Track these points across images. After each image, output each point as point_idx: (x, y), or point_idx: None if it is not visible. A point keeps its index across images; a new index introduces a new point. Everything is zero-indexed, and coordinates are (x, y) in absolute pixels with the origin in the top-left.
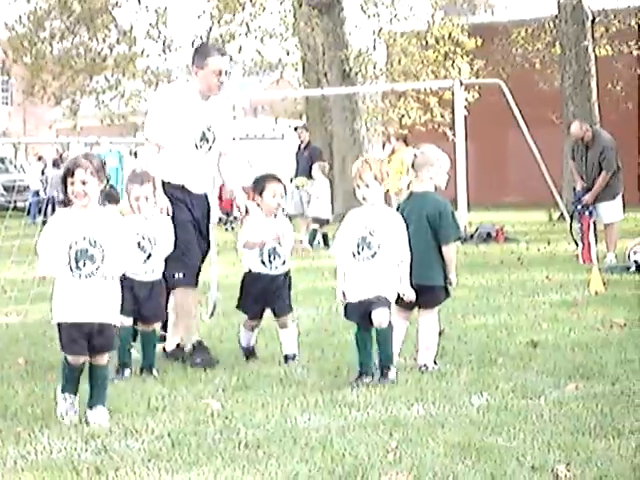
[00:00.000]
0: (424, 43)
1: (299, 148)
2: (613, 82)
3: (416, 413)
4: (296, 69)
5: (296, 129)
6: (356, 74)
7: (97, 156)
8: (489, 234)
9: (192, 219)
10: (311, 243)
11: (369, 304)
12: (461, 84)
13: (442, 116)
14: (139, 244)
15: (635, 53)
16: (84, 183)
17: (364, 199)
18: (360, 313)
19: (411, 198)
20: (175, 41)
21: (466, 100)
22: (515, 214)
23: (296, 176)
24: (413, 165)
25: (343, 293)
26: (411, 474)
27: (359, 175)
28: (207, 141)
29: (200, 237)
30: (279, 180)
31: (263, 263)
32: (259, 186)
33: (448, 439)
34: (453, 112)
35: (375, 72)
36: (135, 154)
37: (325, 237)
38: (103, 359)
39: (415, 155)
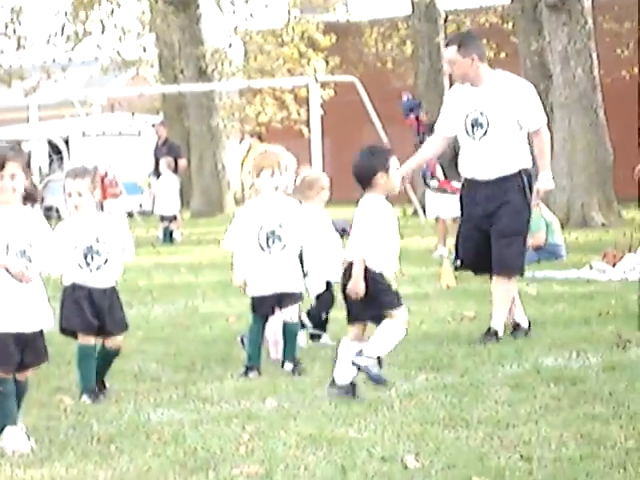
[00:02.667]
0: (280, 41)
1: (157, 144)
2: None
3: (269, 406)
4: (152, 66)
5: (153, 125)
6: (213, 71)
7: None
8: (344, 230)
9: (479, 212)
10: (166, 240)
11: (280, 298)
12: (316, 81)
13: (298, 113)
14: (91, 248)
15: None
16: (13, 177)
17: (270, 189)
18: (269, 306)
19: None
20: (29, 39)
21: (322, 97)
22: None
23: (155, 172)
24: None
25: (245, 283)
26: (262, 466)
27: (260, 166)
28: (480, 126)
29: (486, 221)
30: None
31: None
32: (383, 162)
33: (300, 431)
34: (309, 109)
35: (232, 69)
36: None
37: (170, 233)
38: (26, 374)
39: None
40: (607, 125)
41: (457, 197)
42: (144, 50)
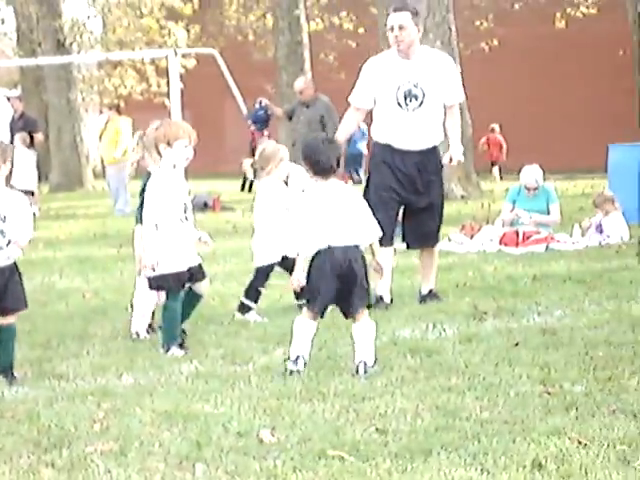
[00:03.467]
0: (139, 13)
1: (13, 118)
2: (326, 52)
3: (125, 382)
4: (10, 38)
5: (9, 99)
6: (71, 44)
7: None
8: (205, 203)
9: (395, 180)
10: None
11: (193, 271)
12: (176, 54)
13: (158, 85)
14: None
15: (346, 25)
16: None
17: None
18: (185, 281)
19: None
20: None
21: (185, 67)
22: (232, 183)
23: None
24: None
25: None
26: (117, 443)
27: (175, 135)
28: (415, 98)
29: (413, 193)
30: None
31: None
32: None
33: (156, 407)
34: (169, 81)
35: (90, 42)
36: None
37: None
38: None
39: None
40: (466, 97)
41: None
42: (2, 22)
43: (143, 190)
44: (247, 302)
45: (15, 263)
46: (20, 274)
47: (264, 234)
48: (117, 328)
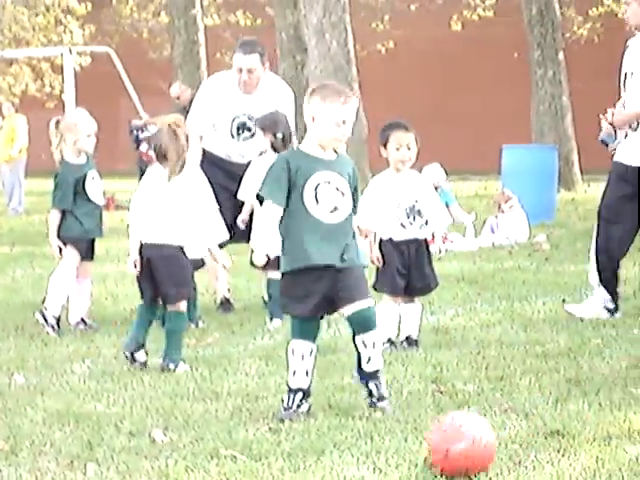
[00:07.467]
0: (34, 10)
1: None
2: (222, 51)
3: (17, 382)
4: None
5: None
6: None
7: None
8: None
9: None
10: None
11: None
12: (70, 52)
13: (51, 86)
14: None
15: (242, 22)
16: None
17: None
18: None
19: None
20: None
21: (80, 66)
22: (126, 182)
23: None
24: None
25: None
26: (8, 443)
27: None
28: (248, 130)
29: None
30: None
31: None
32: (382, 137)
33: (47, 407)
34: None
35: None
36: None
37: None
38: None
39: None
40: (362, 98)
41: None
42: None
43: (56, 176)
44: None
45: None
46: None
47: None
48: (8, 327)
